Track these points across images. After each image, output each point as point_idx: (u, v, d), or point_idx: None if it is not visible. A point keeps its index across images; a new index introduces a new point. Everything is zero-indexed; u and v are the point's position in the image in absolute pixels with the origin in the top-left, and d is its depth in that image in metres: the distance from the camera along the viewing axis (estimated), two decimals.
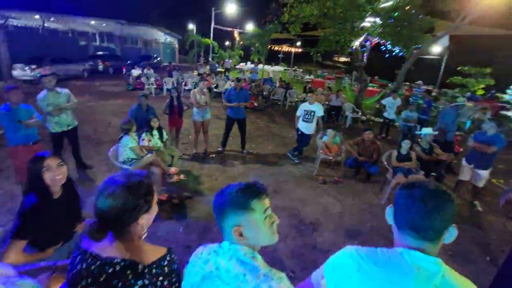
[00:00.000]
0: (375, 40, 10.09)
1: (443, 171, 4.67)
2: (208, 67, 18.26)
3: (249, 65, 24.11)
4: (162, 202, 3.60)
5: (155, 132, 4.15)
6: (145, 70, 13.52)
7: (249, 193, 0.87)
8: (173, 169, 3.89)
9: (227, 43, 32.05)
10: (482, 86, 16.09)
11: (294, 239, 3.16)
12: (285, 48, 29.19)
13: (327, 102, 9.29)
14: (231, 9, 20.66)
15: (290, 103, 11.01)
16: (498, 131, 3.99)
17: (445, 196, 0.81)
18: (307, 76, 21.80)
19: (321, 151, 5.06)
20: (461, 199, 4.45)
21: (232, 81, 9.89)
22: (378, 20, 8.87)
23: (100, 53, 18.91)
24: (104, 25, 23.04)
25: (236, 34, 26.42)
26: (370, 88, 14.83)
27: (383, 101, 7.99)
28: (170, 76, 13.12)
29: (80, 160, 4.35)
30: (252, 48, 17.82)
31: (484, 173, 4.07)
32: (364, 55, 10.42)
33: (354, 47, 9.74)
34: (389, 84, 16.28)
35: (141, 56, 22.87)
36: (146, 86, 11.63)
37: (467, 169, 4.21)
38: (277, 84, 12.80)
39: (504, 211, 4.17)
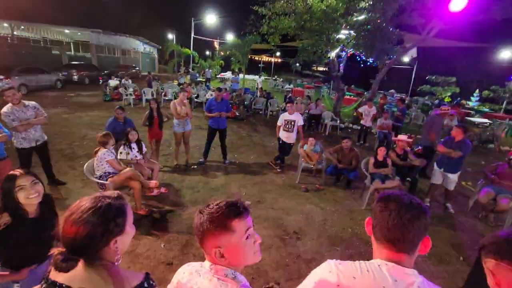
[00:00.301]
0: (350, 51, 10.56)
1: (417, 176, 4.90)
2: (188, 77, 18.16)
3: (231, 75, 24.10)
4: (142, 217, 3.49)
5: (133, 144, 4.04)
6: (123, 80, 13.19)
7: (229, 212, 0.83)
8: (153, 183, 3.78)
9: (207, 52, 32.16)
10: (449, 94, 17.34)
11: (278, 249, 3.15)
12: (265, 58, 29.79)
13: (307, 111, 9.51)
14: (210, 20, 20.81)
15: (271, 112, 11.16)
16: (465, 137, 4.25)
17: (419, 209, 0.84)
18: (287, 86, 22.25)
19: (302, 159, 5.15)
20: (434, 202, 4.68)
21: (213, 91, 9.90)
22: (352, 32, 9.32)
23: (75, 62, 18.25)
24: (79, 34, 22.35)
25: (216, 44, 26.56)
26: (348, 97, 15.40)
27: (360, 109, 8.32)
28: (150, 86, 12.89)
29: (52, 176, 4.13)
30: (232, 58, 17.97)
31: (454, 177, 4.30)
32: (341, 65, 10.82)
33: (331, 58, 10.12)
34: (365, 93, 17.05)
35: (119, 65, 22.33)
36: (125, 97, 11.33)
37: (438, 173, 4.43)
38: (258, 94, 12.94)
39: (473, 212, 4.43)
